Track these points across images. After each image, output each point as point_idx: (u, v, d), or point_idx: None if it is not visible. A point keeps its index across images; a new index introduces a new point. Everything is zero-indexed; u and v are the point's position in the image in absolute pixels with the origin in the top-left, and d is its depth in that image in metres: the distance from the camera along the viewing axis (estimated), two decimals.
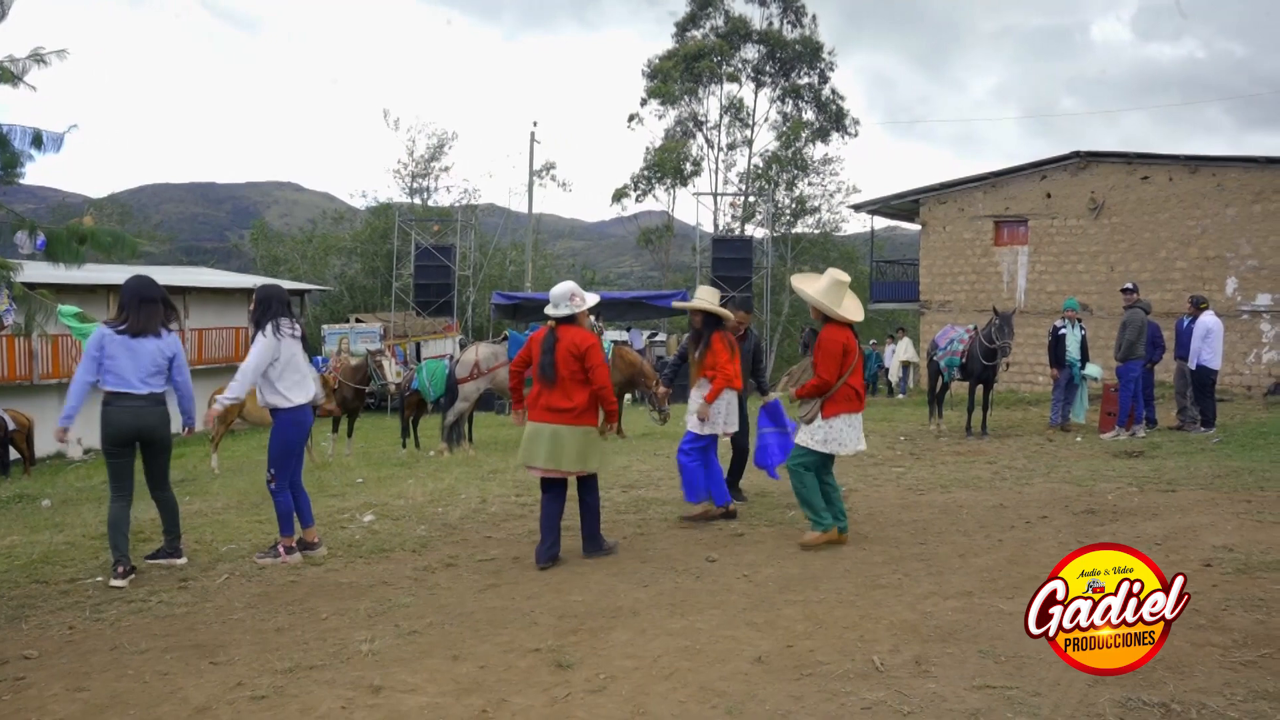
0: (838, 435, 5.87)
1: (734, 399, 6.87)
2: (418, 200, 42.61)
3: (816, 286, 5.97)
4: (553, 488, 5.80)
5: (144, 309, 5.57)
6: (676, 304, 5.37)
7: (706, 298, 6.91)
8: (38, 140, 8.87)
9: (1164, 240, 19.78)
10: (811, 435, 5.89)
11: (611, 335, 25.04)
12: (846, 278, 6.03)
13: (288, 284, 36.05)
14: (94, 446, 23.74)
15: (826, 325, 5.92)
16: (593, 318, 13.49)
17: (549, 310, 5.82)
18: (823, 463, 6.00)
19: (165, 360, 5.59)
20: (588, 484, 5.89)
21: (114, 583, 5.31)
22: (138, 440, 5.58)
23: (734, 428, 6.94)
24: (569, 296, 5.74)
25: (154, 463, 5.76)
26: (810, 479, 5.92)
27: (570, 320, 5.75)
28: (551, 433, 5.64)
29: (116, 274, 25.63)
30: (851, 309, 5.96)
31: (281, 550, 5.81)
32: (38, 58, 8.60)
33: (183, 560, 5.81)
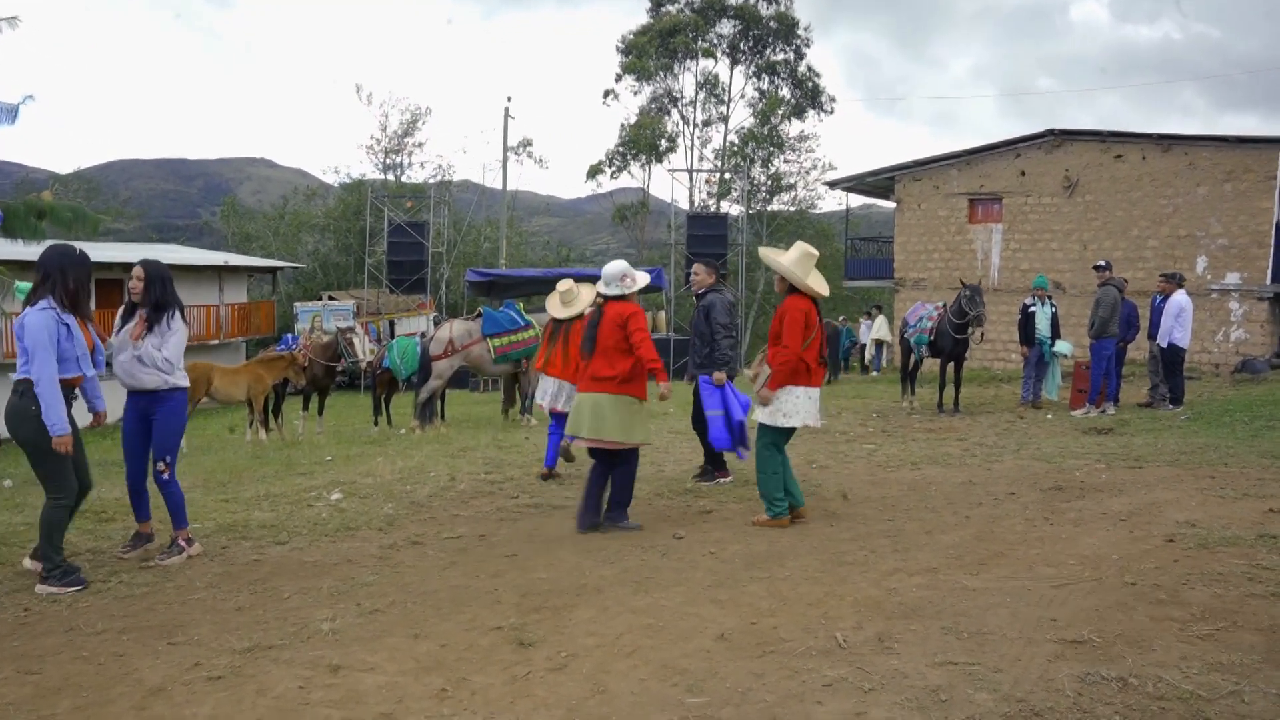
0: (790, 407, 5.73)
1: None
2: (391, 176, 42.21)
3: (787, 256, 5.93)
4: (602, 458, 5.92)
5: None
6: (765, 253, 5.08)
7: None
8: None
9: (1136, 219, 19.92)
10: (767, 412, 5.79)
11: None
12: (815, 251, 5.99)
13: (260, 261, 35.71)
14: None
15: (790, 295, 5.86)
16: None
17: (600, 288, 6.02)
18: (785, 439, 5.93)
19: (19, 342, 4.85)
20: (625, 454, 5.93)
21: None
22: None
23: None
24: (620, 277, 5.94)
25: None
26: (775, 462, 5.82)
27: (620, 299, 5.91)
28: (593, 402, 5.77)
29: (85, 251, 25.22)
30: (818, 283, 5.92)
31: (183, 544, 5.40)
32: None
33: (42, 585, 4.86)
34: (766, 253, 6.19)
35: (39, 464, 4.91)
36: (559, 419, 7.42)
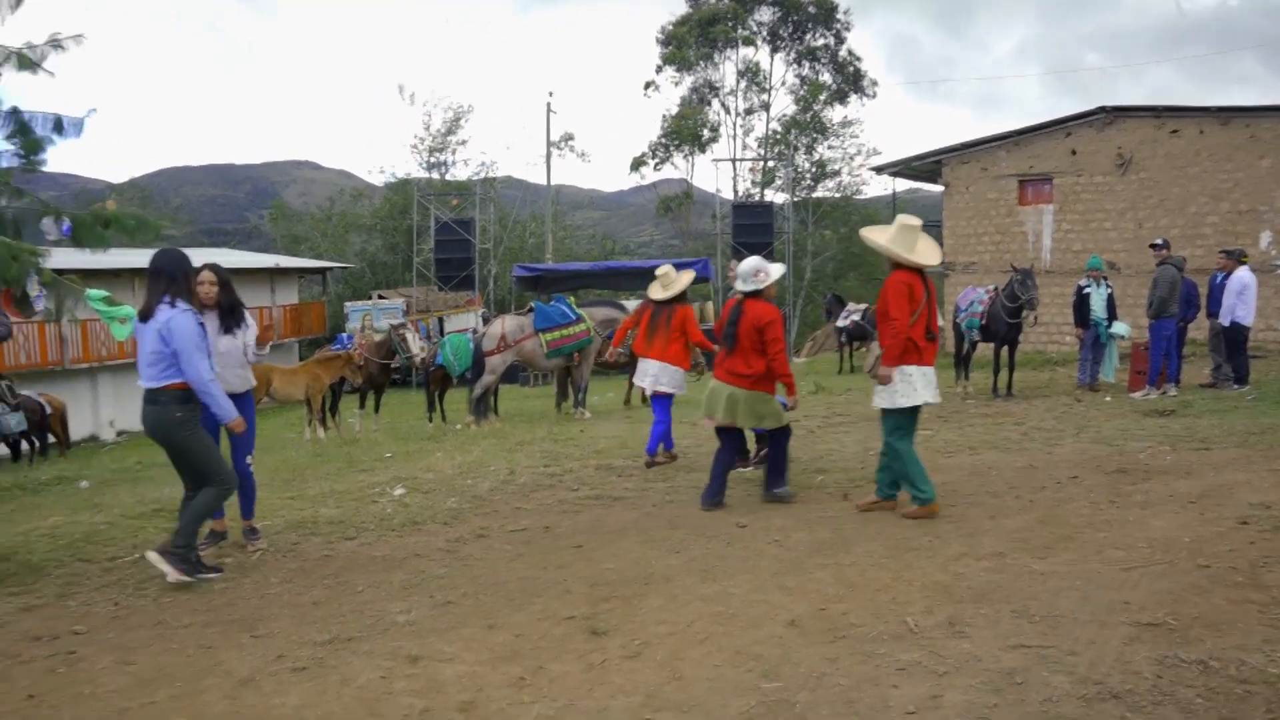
0: (905, 386, 5.60)
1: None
2: (436, 175, 42.53)
3: (885, 234, 5.83)
4: (727, 438, 6.22)
5: (150, 285, 4.95)
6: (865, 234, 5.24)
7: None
8: (58, 126, 8.85)
9: (1194, 195, 19.44)
10: (885, 395, 5.66)
11: (634, 304, 25.01)
12: (917, 221, 5.85)
13: (310, 262, 36.28)
14: (127, 429, 24.12)
15: (894, 270, 5.70)
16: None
17: (738, 285, 6.21)
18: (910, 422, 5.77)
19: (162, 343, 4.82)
20: (775, 434, 6.20)
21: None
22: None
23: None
24: (754, 273, 6.13)
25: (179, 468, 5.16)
26: (906, 446, 5.70)
27: (756, 295, 6.08)
28: (729, 393, 6.08)
29: (140, 257, 25.91)
30: (925, 252, 5.77)
31: (257, 527, 5.76)
32: (55, 44, 8.58)
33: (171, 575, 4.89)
34: (867, 233, 6.10)
35: (193, 463, 5.03)
36: (661, 405, 7.68)
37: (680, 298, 7.77)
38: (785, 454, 6.29)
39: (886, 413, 5.74)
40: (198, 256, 5.10)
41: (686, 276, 7.97)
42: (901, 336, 5.58)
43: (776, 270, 6.23)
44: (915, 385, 5.63)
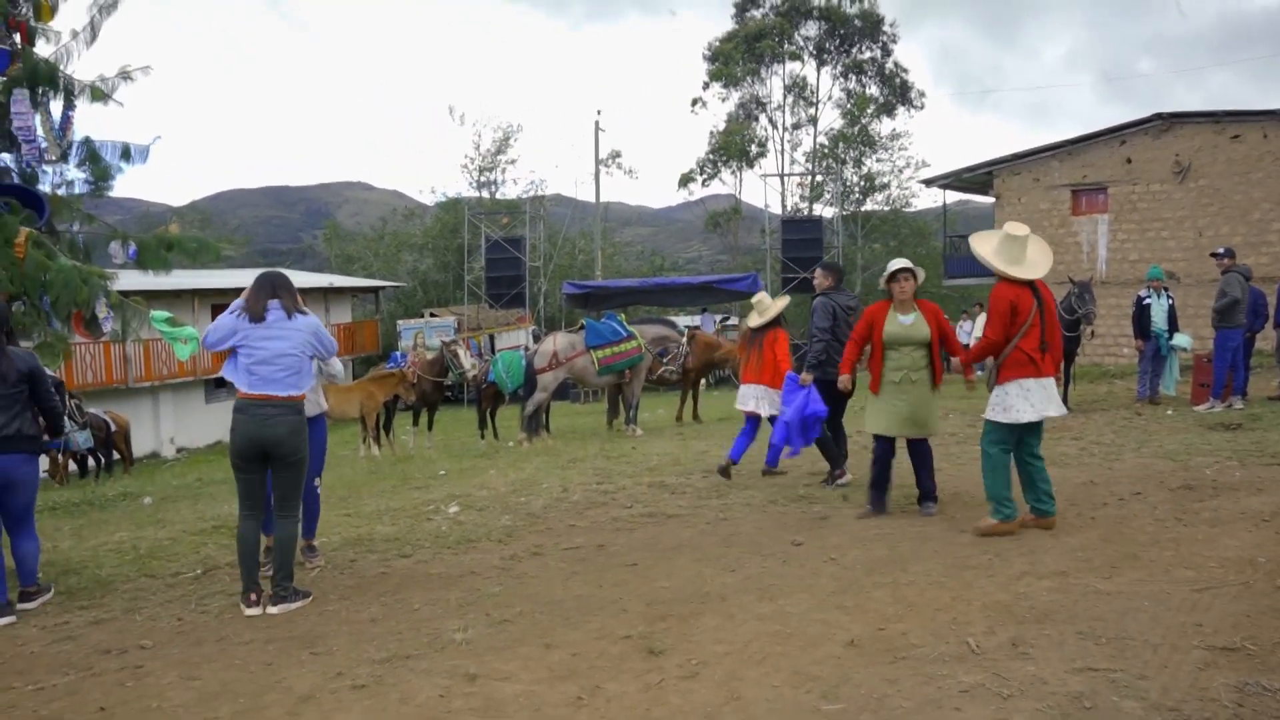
0: (1012, 402, 5.48)
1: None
2: (486, 194, 43.07)
3: (990, 244, 5.71)
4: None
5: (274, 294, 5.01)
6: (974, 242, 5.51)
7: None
8: (126, 153, 9.19)
9: (1258, 201, 18.95)
10: (990, 405, 5.61)
11: (684, 320, 25.00)
12: (1023, 230, 5.68)
13: (363, 281, 36.86)
14: (186, 445, 24.69)
15: (999, 283, 5.60)
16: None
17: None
18: (1018, 437, 5.62)
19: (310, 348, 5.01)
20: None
21: (246, 611, 4.81)
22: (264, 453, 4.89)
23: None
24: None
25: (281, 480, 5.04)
26: (999, 458, 5.56)
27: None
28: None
29: (200, 279, 26.53)
30: (1036, 263, 5.63)
31: (315, 544, 5.85)
32: (125, 75, 8.91)
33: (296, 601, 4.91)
34: (974, 243, 5.92)
35: (300, 478, 5.04)
36: (751, 419, 7.85)
37: (775, 322, 7.90)
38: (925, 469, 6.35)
39: (989, 423, 5.62)
40: (253, 277, 5.16)
41: (780, 302, 8.07)
42: (990, 352, 5.54)
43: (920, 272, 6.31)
44: (1032, 399, 5.49)
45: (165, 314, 6.54)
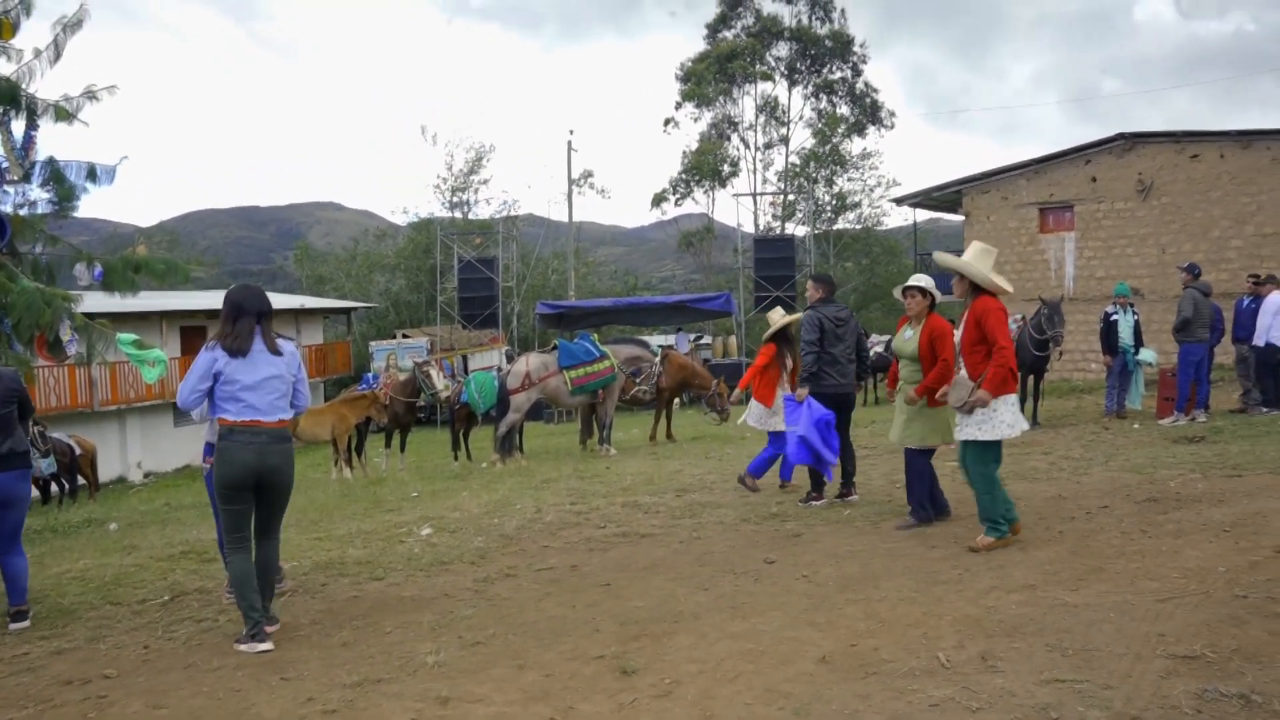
0: (1006, 415, 5.48)
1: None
2: (458, 214, 43.03)
3: (963, 257, 5.79)
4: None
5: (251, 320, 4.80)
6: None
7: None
8: (92, 174, 9.10)
9: (1217, 219, 19.33)
10: (987, 426, 5.49)
11: (658, 340, 25.06)
12: (992, 249, 5.85)
13: (335, 303, 36.62)
14: (154, 470, 24.35)
15: (978, 297, 5.64)
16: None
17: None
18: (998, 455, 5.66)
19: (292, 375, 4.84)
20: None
21: (260, 647, 4.52)
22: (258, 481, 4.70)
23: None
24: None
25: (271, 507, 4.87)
26: (993, 477, 5.57)
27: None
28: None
29: (169, 301, 26.28)
30: (1003, 280, 5.75)
31: (283, 570, 5.39)
32: (90, 95, 8.83)
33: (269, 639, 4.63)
34: (949, 260, 6.00)
35: (284, 504, 4.91)
36: (773, 437, 7.86)
37: (774, 338, 7.99)
38: (916, 482, 6.42)
39: (984, 444, 5.57)
40: (223, 299, 5.06)
41: (775, 315, 8.17)
42: (1010, 363, 5.48)
43: (928, 281, 6.47)
44: (1016, 414, 5.56)
45: (132, 336, 6.47)
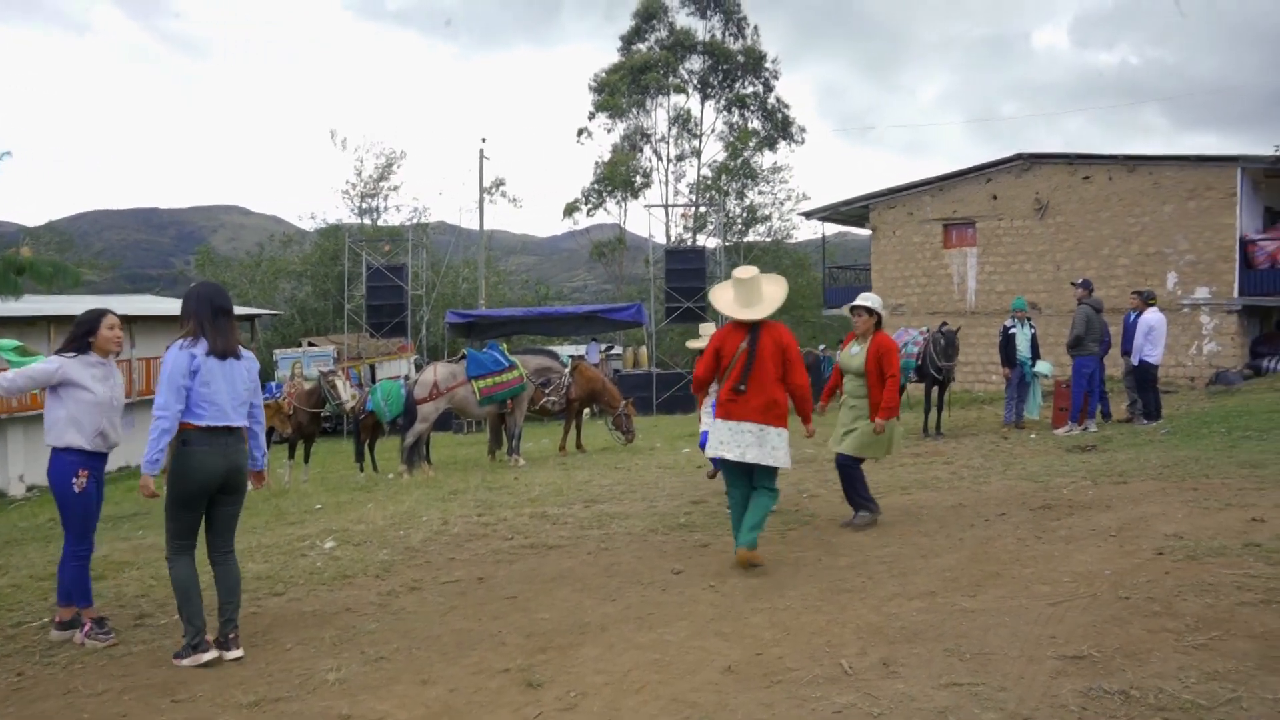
0: (716, 438, 5.64)
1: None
2: (367, 221, 42.30)
3: (725, 298, 5.77)
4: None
5: (226, 322, 4.72)
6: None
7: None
8: None
9: (1106, 238, 20.27)
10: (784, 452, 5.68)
11: (568, 350, 25.01)
12: (747, 272, 5.76)
13: (237, 309, 35.53)
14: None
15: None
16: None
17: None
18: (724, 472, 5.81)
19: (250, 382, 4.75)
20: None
21: (205, 658, 4.36)
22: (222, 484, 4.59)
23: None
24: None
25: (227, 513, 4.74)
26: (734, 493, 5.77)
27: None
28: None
29: (56, 305, 25.10)
30: (773, 298, 5.70)
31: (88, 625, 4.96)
32: None
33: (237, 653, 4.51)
34: (716, 297, 5.90)
35: (240, 512, 4.82)
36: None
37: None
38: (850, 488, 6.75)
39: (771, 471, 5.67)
40: (120, 303, 4.90)
41: (706, 329, 8.40)
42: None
43: (876, 300, 6.88)
44: (718, 439, 5.69)
45: (14, 342, 6.15)
